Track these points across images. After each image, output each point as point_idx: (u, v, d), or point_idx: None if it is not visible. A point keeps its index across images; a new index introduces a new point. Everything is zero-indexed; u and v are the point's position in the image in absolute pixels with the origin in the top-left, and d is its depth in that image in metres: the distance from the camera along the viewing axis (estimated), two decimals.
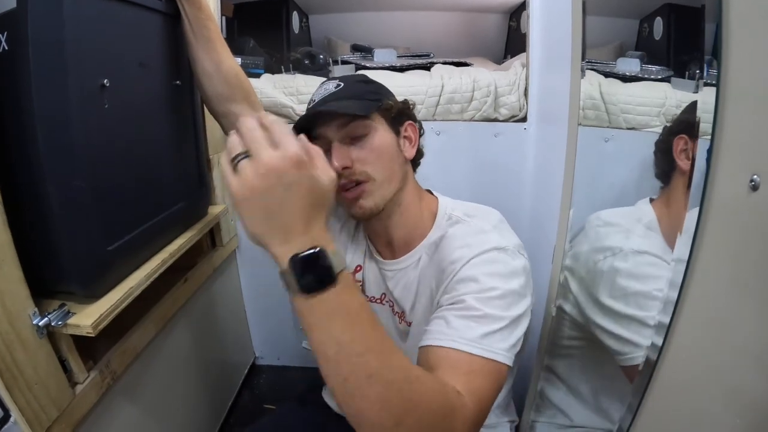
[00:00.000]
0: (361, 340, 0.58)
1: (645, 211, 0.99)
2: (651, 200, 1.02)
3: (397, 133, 1.01)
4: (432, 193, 1.09)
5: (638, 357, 0.84)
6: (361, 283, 1.13)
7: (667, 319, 0.69)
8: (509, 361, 0.77)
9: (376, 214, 0.97)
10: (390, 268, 1.05)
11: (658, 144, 0.92)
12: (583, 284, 1.10)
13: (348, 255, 1.15)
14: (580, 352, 1.19)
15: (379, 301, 1.11)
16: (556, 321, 1.17)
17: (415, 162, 1.08)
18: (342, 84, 0.99)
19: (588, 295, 1.07)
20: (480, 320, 0.78)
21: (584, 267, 1.10)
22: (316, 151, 0.60)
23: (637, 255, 0.98)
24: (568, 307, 1.15)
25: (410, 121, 1.04)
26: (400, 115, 1.02)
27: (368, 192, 0.95)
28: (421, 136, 1.09)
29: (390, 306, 1.09)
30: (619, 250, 1.01)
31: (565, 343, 1.20)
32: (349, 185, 0.94)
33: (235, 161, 0.57)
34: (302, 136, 0.60)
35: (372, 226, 1.07)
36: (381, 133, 0.96)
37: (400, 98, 1.05)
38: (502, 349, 0.76)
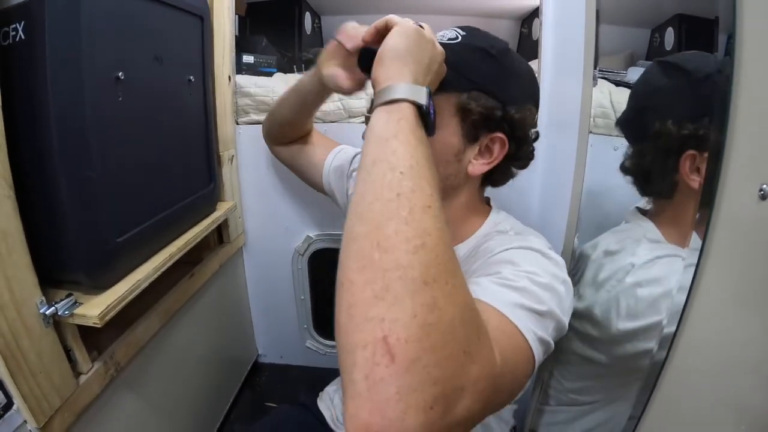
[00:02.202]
0: (435, 180, 0.57)
1: (647, 227, 0.97)
2: (643, 213, 1.01)
3: (473, 139, 0.84)
4: (489, 204, 1.00)
5: None
6: None
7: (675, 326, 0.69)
8: (537, 354, 0.64)
9: None
10: None
11: (652, 162, 0.92)
12: (597, 322, 0.99)
13: None
14: (588, 369, 1.10)
15: None
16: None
17: (494, 179, 0.94)
18: (459, 39, 0.84)
19: (609, 328, 0.95)
20: (518, 290, 0.66)
21: (594, 303, 1.00)
22: None
23: (652, 263, 0.92)
24: (578, 348, 1.07)
25: (501, 134, 0.83)
26: (487, 121, 0.82)
27: None
28: (517, 158, 0.89)
29: None
30: (630, 266, 0.94)
31: (572, 359, 1.12)
32: None
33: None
34: None
35: None
36: (437, 132, 0.76)
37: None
38: (535, 334, 0.64)
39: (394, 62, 0.66)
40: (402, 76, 0.64)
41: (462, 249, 0.91)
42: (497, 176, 0.93)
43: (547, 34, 1.42)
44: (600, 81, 1.14)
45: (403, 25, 0.71)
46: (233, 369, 1.85)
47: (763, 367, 0.56)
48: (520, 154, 0.88)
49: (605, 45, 1.13)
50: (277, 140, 1.35)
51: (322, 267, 1.82)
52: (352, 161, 1.23)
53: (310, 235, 1.74)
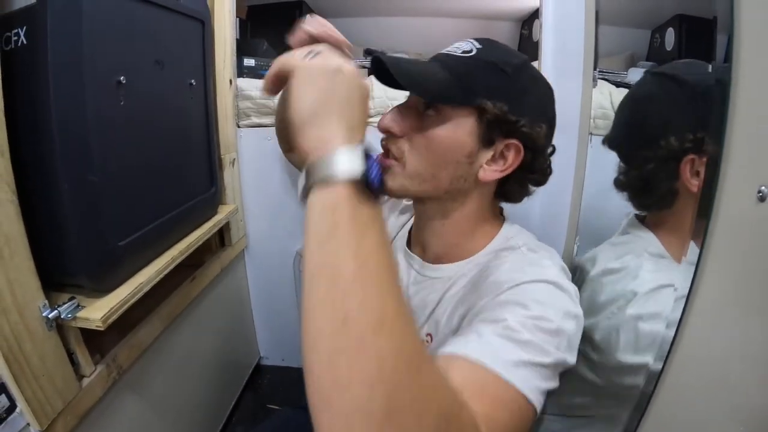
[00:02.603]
0: (390, 269, 0.49)
1: (648, 239, 0.94)
2: (641, 220, 0.98)
3: (488, 143, 0.79)
4: (502, 214, 0.95)
5: None
6: None
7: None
8: (538, 406, 0.61)
9: (401, 197, 0.88)
10: (417, 269, 0.92)
11: (652, 173, 0.88)
12: (596, 346, 0.96)
13: None
14: (586, 387, 1.04)
15: None
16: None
17: (507, 191, 0.88)
18: (473, 52, 0.79)
19: (609, 357, 0.93)
20: (521, 345, 0.62)
21: (593, 326, 0.96)
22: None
23: (655, 293, 0.87)
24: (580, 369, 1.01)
25: (516, 141, 0.78)
26: (503, 124, 0.77)
27: (393, 172, 0.81)
28: (532, 170, 0.84)
29: None
30: (632, 294, 0.90)
31: (569, 377, 1.05)
32: (386, 153, 0.83)
33: (308, 55, 0.56)
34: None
35: (416, 214, 0.94)
36: (452, 128, 0.77)
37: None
38: (538, 389, 0.61)
39: (311, 125, 0.53)
40: (328, 140, 0.52)
41: (470, 265, 0.86)
42: (511, 188, 0.87)
43: (547, 35, 1.43)
44: (600, 82, 1.15)
45: (304, 69, 0.56)
46: (235, 371, 1.85)
47: (764, 368, 0.56)
48: (535, 165, 0.83)
49: (605, 46, 1.13)
50: (288, 145, 1.32)
51: None
52: None
53: None
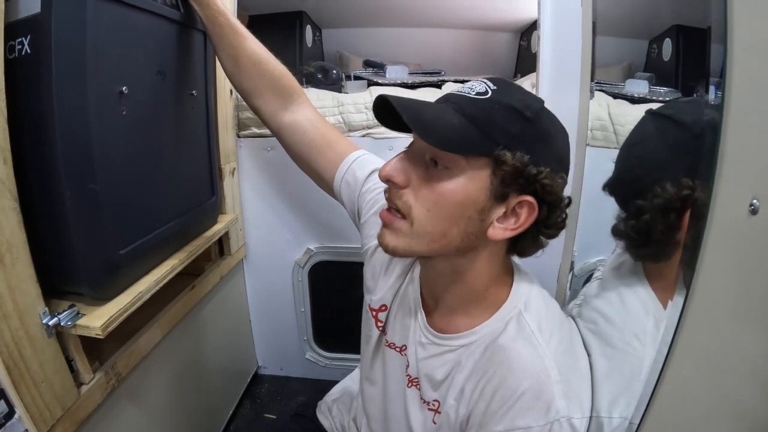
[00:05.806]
0: None
1: (648, 305, 0.84)
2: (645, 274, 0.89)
3: (500, 198, 0.72)
4: (514, 269, 0.87)
5: None
6: (382, 324, 0.97)
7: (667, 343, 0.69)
8: None
9: (405, 257, 0.83)
10: (427, 336, 0.87)
11: (652, 223, 0.78)
12: None
13: (378, 283, 0.98)
14: None
15: (398, 350, 0.93)
16: None
17: (520, 247, 0.81)
18: (489, 95, 0.72)
19: None
20: None
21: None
22: None
23: None
24: None
25: (530, 198, 0.71)
26: (519, 178, 0.70)
27: (397, 229, 0.76)
28: (547, 225, 0.76)
29: (406, 361, 0.92)
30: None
31: None
32: (390, 206, 0.78)
33: None
34: None
35: (423, 266, 0.89)
36: (464, 182, 0.71)
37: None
38: None
39: None
40: None
41: (478, 340, 0.81)
42: (525, 244, 0.80)
43: (545, 46, 1.44)
44: (598, 93, 1.16)
45: None
46: (233, 380, 1.85)
47: (759, 380, 0.56)
48: (550, 221, 0.75)
49: (603, 56, 1.14)
50: (254, 94, 1.13)
51: (323, 279, 1.83)
52: (366, 180, 1.04)
53: (311, 247, 1.75)
